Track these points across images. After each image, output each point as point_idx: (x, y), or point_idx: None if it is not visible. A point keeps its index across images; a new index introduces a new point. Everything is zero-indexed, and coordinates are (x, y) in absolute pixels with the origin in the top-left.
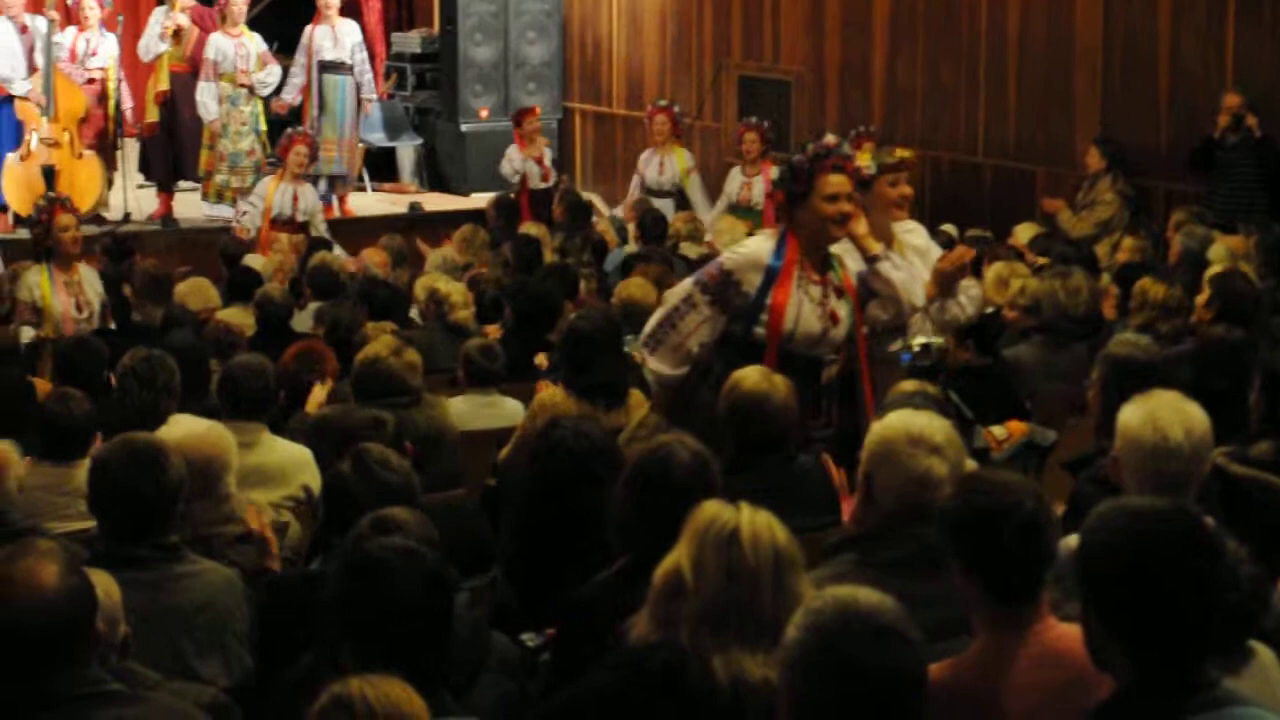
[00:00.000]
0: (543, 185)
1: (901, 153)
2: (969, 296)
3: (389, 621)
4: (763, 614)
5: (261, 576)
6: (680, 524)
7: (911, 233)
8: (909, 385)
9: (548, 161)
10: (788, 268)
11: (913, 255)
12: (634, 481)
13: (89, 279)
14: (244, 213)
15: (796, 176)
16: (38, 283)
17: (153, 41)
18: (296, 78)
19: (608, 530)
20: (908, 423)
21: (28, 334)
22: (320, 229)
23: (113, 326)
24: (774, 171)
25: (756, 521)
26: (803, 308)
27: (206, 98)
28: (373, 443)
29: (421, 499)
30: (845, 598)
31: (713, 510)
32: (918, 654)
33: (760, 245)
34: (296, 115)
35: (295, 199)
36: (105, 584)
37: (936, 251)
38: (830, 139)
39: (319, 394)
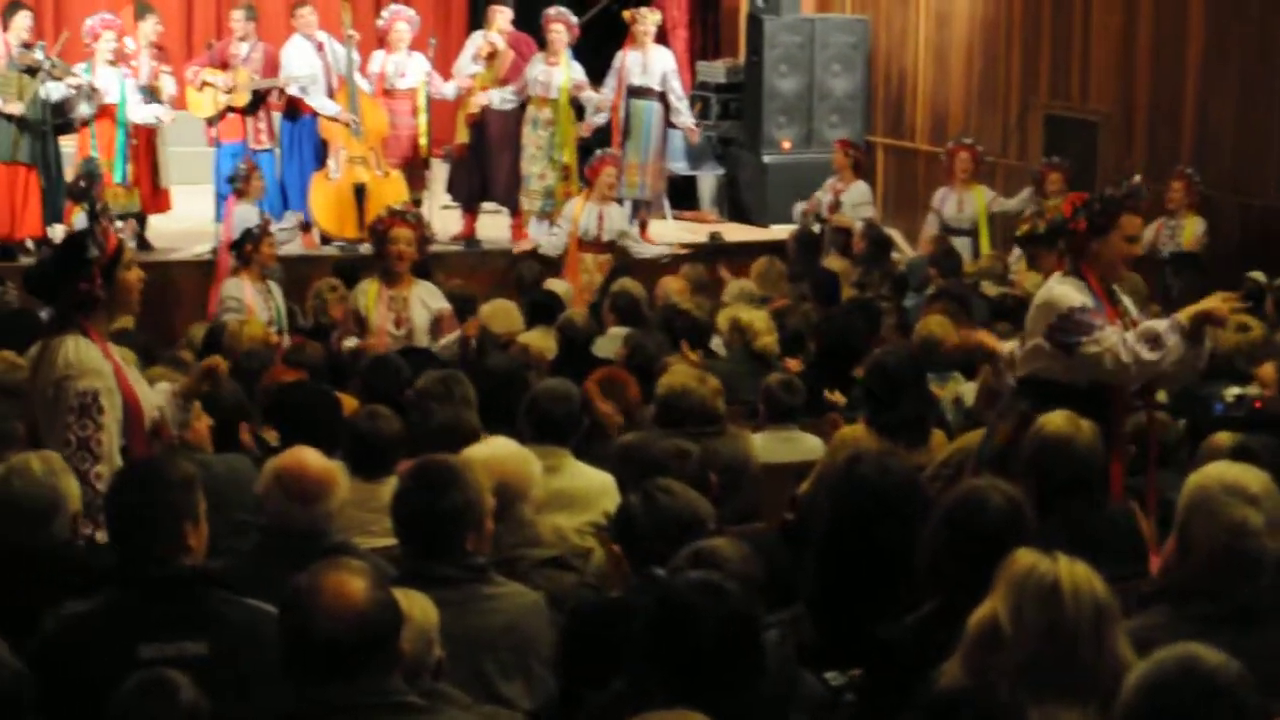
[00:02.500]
0: (823, 217)
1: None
2: None
3: (692, 658)
4: (1081, 668)
5: (567, 602)
6: (992, 569)
7: None
8: (1226, 437)
9: (845, 200)
10: (1105, 306)
11: None
12: (945, 524)
13: (424, 295)
14: (553, 234)
15: (1106, 209)
16: (365, 292)
17: (466, 63)
18: (604, 100)
19: (915, 571)
20: (1223, 472)
21: (351, 342)
22: (638, 251)
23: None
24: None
25: (1076, 573)
26: None
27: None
28: (672, 475)
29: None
30: (1187, 656)
31: (1030, 560)
32: (1256, 717)
33: (1074, 287)
34: (604, 139)
35: (600, 219)
36: (424, 605)
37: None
38: (1137, 179)
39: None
